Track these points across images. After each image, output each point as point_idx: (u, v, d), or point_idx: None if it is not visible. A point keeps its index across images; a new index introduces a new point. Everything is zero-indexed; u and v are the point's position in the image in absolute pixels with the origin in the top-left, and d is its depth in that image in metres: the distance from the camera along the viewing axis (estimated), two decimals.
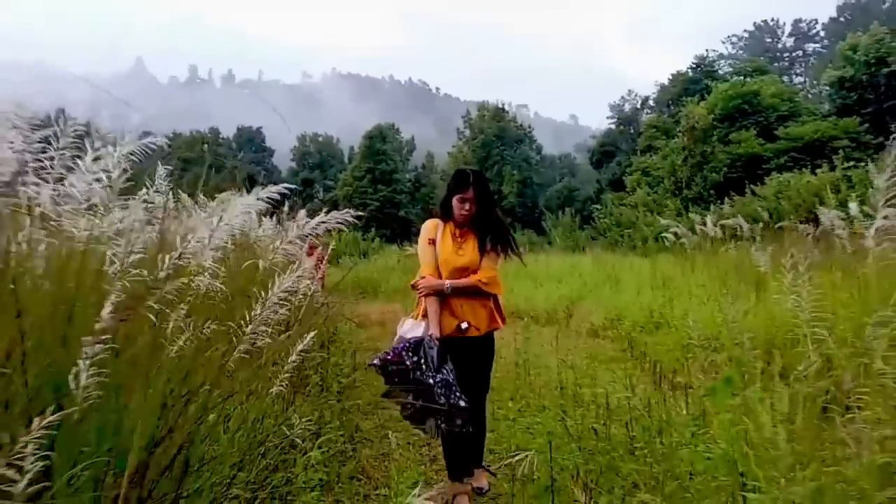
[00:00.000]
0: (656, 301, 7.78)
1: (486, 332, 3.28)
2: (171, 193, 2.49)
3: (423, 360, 2.94)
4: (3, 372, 1.21)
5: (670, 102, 40.11)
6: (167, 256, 1.43)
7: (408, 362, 2.95)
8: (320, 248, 5.80)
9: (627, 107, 48.56)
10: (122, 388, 1.35)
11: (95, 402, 1.23)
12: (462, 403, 2.87)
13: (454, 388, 2.89)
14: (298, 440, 2.51)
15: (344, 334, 7.05)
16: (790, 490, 1.42)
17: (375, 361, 3.02)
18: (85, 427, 1.26)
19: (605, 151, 43.75)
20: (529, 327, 7.89)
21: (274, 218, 5.28)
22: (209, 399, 1.52)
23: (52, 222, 1.52)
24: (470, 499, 3.31)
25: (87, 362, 1.21)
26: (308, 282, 4.01)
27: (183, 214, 3.31)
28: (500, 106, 49.86)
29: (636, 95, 49.24)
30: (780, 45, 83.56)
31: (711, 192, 24.08)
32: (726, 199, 17.45)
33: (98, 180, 1.52)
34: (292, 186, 1.87)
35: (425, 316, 3.15)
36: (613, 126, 46.76)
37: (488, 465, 3.54)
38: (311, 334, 2.25)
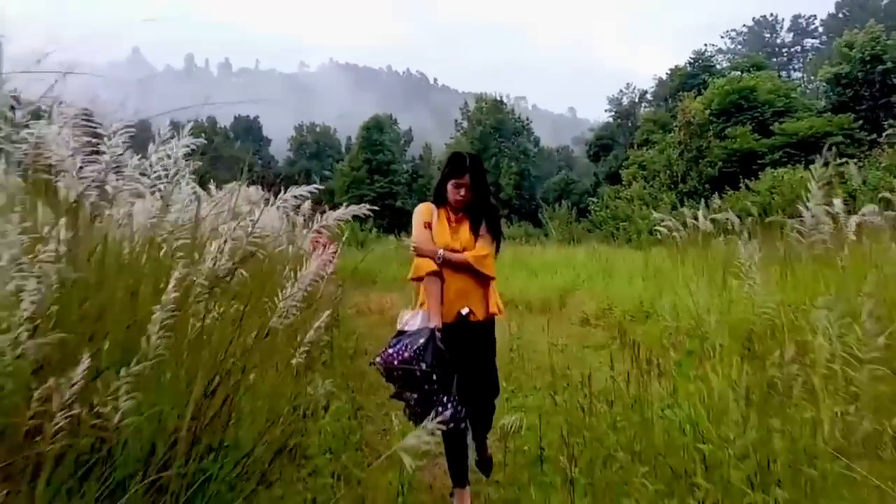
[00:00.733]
0: (647, 292, 8.07)
1: (486, 319, 3.17)
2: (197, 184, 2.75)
3: (424, 361, 2.82)
4: (91, 334, 1.48)
5: (668, 97, 40.36)
6: (222, 243, 1.70)
7: (411, 366, 2.81)
8: (325, 237, 6.03)
9: (625, 100, 48.72)
10: (182, 351, 1.61)
11: (163, 359, 1.50)
12: (455, 410, 2.83)
13: (451, 393, 2.85)
14: (309, 411, 2.79)
15: (345, 320, 7.32)
16: (737, 442, 1.70)
17: (378, 360, 2.92)
18: (153, 379, 1.53)
19: (602, 145, 44.00)
20: (524, 316, 8.17)
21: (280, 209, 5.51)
22: (248, 361, 1.79)
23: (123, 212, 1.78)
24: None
25: (157, 327, 1.48)
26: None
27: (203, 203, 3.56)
28: (499, 98, 49.99)
29: (634, 89, 49.43)
30: (778, 41, 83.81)
31: (706, 186, 24.37)
32: (717, 194, 17.75)
33: (163, 175, 1.78)
34: (320, 187, 2.06)
35: (423, 306, 3.09)
36: (611, 119, 47.00)
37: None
38: (327, 312, 2.52)
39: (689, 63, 42.10)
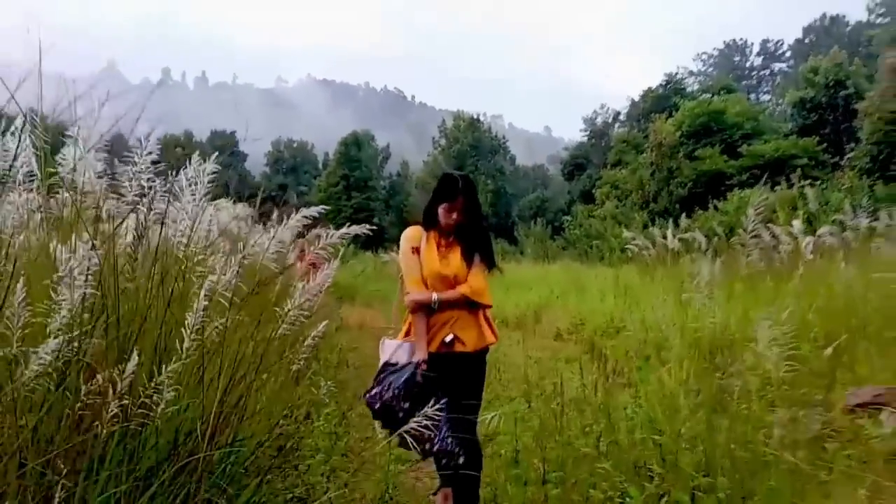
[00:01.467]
0: (617, 308, 8.42)
1: (478, 350, 3.04)
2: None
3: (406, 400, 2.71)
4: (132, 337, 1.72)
5: (640, 118, 41.24)
6: (241, 259, 1.96)
7: (396, 407, 2.72)
8: (311, 252, 6.22)
9: (600, 120, 49.60)
10: (207, 354, 1.86)
11: (192, 360, 1.74)
12: (451, 447, 2.70)
13: (443, 430, 2.66)
14: (303, 415, 3.03)
15: (328, 335, 7.52)
16: (687, 434, 1.99)
17: (367, 398, 2.83)
18: (185, 376, 1.78)
19: (576, 164, 44.68)
20: (500, 330, 8.43)
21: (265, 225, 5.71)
22: (261, 366, 2.04)
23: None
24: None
25: (190, 332, 1.72)
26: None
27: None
28: (475, 116, 50.64)
29: (608, 109, 50.38)
30: (748, 64, 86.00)
31: (677, 205, 24.98)
32: (686, 214, 18.30)
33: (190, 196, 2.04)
34: (327, 207, 2.30)
35: (408, 334, 3.00)
36: (585, 139, 47.82)
37: None
38: (325, 322, 2.77)
39: (661, 85, 43.16)
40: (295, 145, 64.82)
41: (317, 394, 2.74)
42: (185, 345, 1.73)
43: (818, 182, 20.63)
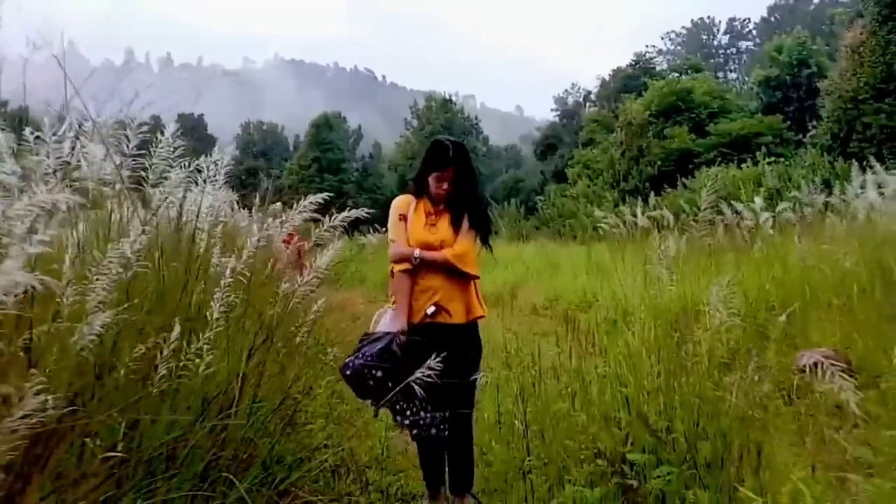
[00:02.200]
0: (590, 284, 8.81)
1: (467, 322, 2.88)
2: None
3: (377, 369, 2.61)
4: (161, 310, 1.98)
5: (611, 97, 41.77)
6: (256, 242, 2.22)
7: (367, 374, 2.60)
8: (297, 237, 6.37)
9: (571, 100, 50.27)
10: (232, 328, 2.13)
11: (221, 331, 2.01)
12: (421, 416, 2.59)
13: (419, 400, 2.50)
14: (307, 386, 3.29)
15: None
16: (648, 383, 2.32)
17: (347, 373, 2.67)
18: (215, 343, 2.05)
19: (548, 144, 45.16)
20: None
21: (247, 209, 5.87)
22: (275, 336, 2.32)
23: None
24: None
25: (219, 301, 1.99)
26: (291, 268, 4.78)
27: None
28: (448, 97, 50.70)
29: (579, 89, 51.05)
30: (715, 42, 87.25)
31: (647, 184, 25.51)
32: (653, 194, 18.80)
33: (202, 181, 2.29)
34: (331, 194, 2.53)
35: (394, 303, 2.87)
36: (557, 119, 48.29)
37: (477, 494, 3.13)
38: (322, 299, 3.04)
39: (630, 65, 43.72)
40: (265, 128, 64.25)
41: (319, 365, 3.01)
42: (215, 315, 1.99)
43: (782, 159, 21.36)
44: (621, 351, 2.86)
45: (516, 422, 3.77)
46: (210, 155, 2.43)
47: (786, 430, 3.08)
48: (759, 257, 6.32)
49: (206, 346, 1.88)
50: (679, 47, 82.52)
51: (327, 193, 2.45)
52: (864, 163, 7.22)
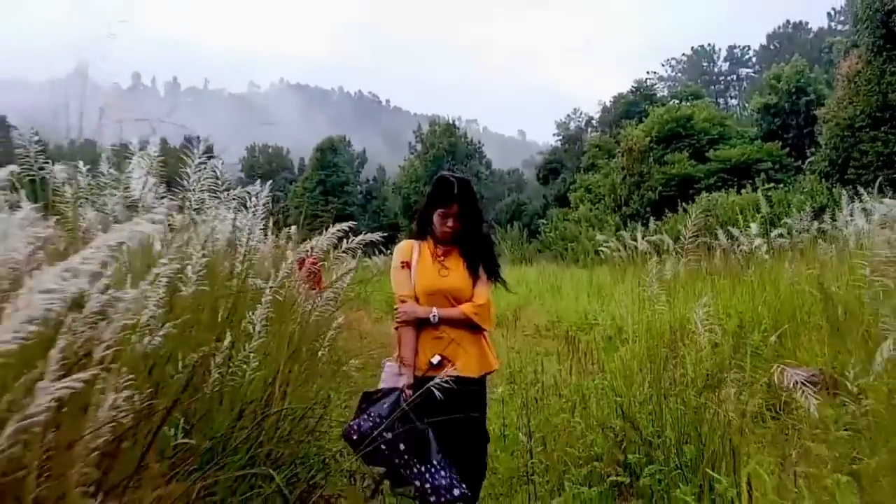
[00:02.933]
0: (591, 306, 9.08)
1: (479, 377, 2.70)
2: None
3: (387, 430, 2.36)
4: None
5: (612, 123, 42.33)
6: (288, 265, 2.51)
7: (378, 437, 2.34)
8: (310, 258, 6.67)
9: (573, 125, 50.85)
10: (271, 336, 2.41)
11: (263, 342, 2.29)
12: (442, 476, 2.30)
13: (430, 460, 2.31)
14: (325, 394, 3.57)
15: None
16: (640, 394, 2.58)
17: (354, 437, 2.48)
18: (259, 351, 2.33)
19: (551, 168, 45.64)
20: None
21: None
22: (307, 346, 2.60)
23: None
24: None
25: (260, 316, 2.27)
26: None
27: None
28: (451, 122, 51.36)
29: (581, 114, 51.67)
30: (716, 69, 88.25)
31: (647, 209, 25.86)
32: (653, 218, 19.12)
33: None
34: (353, 223, 2.80)
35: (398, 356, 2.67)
36: (559, 144, 48.83)
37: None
38: (342, 317, 3.32)
39: (631, 91, 44.35)
40: (270, 151, 65.01)
41: (337, 378, 3.28)
42: (257, 328, 2.28)
43: (781, 185, 21.72)
44: (616, 366, 3.15)
45: (520, 433, 4.02)
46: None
47: (767, 437, 3.34)
48: (752, 281, 6.59)
49: (251, 355, 2.15)
50: (680, 74, 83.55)
51: (352, 222, 2.70)
52: (855, 190, 7.52)
